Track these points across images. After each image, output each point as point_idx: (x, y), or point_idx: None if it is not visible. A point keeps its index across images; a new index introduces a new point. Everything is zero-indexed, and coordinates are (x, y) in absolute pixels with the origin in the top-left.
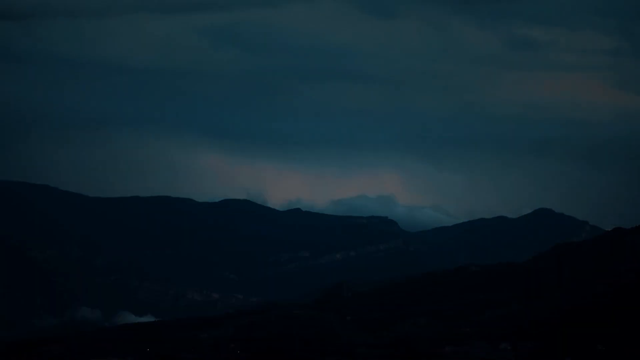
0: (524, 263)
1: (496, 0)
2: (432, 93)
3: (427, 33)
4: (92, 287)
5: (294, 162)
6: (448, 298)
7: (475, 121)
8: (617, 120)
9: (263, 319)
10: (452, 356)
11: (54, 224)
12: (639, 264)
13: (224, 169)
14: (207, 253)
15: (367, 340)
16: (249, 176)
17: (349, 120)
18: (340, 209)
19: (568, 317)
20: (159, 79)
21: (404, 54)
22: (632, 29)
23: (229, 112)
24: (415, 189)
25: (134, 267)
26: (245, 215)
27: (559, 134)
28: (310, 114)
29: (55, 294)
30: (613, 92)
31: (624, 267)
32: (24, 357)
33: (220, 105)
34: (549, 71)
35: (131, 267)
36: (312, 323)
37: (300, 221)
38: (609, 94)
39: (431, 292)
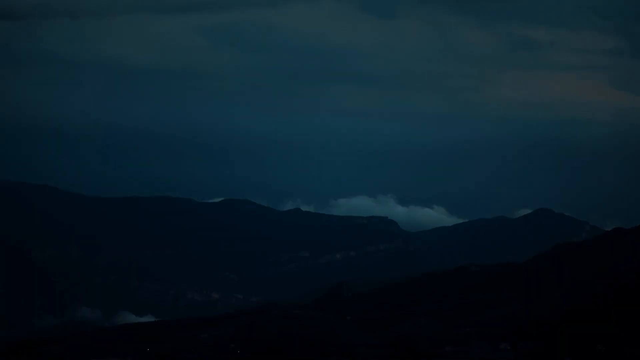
0: (524, 263)
1: (496, 0)
2: (432, 93)
3: (427, 33)
4: (92, 287)
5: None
6: (448, 298)
7: (475, 121)
8: (617, 120)
9: (263, 319)
10: (452, 356)
11: (54, 224)
12: (639, 264)
13: (222, 169)
14: (207, 253)
15: (367, 340)
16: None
17: (348, 120)
18: (340, 209)
19: (568, 317)
20: (159, 79)
21: (404, 54)
22: (632, 29)
23: (229, 111)
24: (416, 189)
25: (134, 267)
26: (245, 215)
27: (558, 133)
28: (311, 114)
29: (55, 294)
30: (612, 92)
31: (624, 267)
32: (24, 357)
33: (220, 105)
34: (549, 71)
35: (131, 267)
36: (312, 323)
37: (300, 221)
38: (608, 93)
39: (431, 292)
